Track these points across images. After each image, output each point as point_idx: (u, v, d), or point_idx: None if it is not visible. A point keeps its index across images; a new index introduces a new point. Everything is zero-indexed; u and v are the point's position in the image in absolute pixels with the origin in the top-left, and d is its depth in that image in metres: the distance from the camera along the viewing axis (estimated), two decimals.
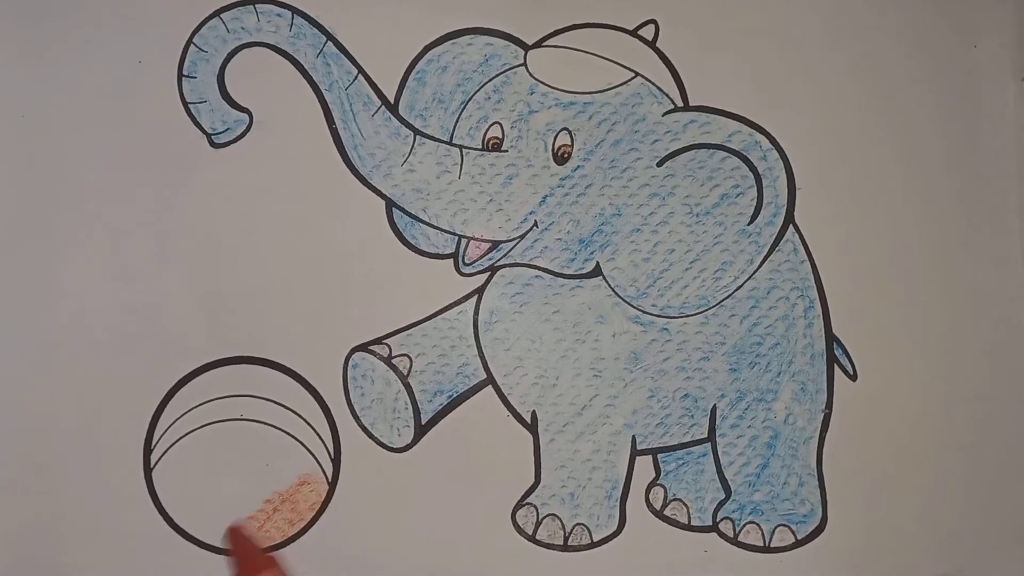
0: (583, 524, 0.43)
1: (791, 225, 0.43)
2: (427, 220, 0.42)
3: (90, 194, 0.42)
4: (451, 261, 0.43)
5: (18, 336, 0.42)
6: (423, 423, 0.42)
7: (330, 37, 0.42)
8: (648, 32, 0.43)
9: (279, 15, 0.42)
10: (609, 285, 0.42)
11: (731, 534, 0.43)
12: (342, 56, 0.42)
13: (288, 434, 0.42)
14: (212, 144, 0.42)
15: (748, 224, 0.43)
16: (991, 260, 0.44)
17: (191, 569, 0.42)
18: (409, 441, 0.42)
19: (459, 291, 0.43)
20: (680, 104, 0.43)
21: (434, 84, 0.43)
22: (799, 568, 0.43)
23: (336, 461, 0.42)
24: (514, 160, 0.43)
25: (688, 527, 0.43)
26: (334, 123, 0.42)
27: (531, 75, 0.43)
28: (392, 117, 0.42)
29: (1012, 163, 0.44)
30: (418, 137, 0.42)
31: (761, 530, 0.43)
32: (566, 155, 0.43)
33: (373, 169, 0.42)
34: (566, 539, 0.42)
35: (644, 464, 0.43)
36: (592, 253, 0.42)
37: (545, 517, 0.42)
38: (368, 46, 0.42)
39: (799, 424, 0.43)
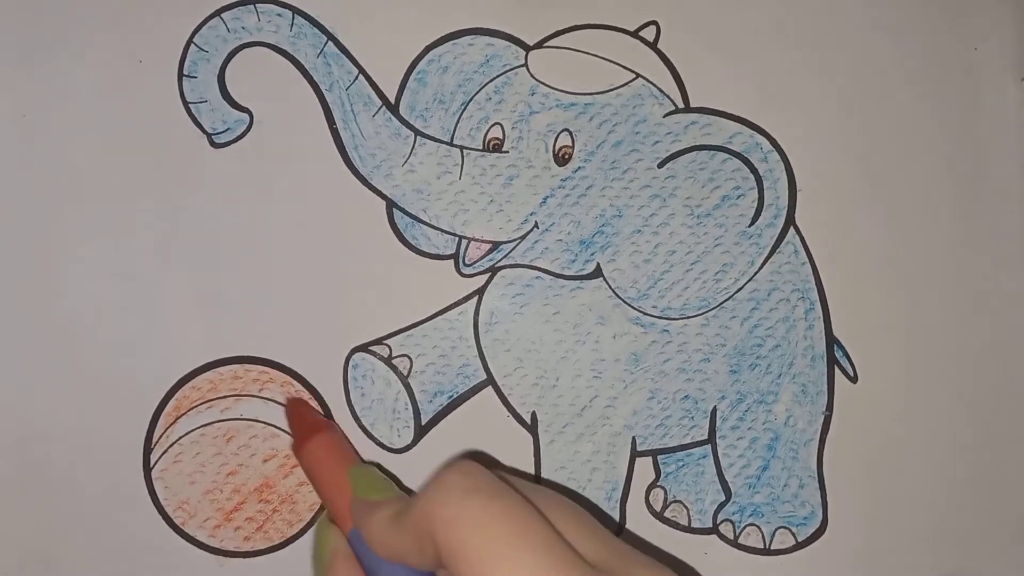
0: None
1: (792, 227, 0.43)
2: (428, 221, 0.42)
3: (90, 194, 0.42)
4: (451, 262, 0.42)
5: (18, 336, 0.41)
6: (423, 424, 0.42)
7: (331, 37, 0.42)
8: (649, 33, 0.43)
9: (280, 15, 0.42)
10: (610, 286, 0.42)
11: (731, 536, 0.43)
12: (343, 56, 0.42)
13: (288, 434, 0.41)
14: (212, 144, 0.42)
15: (749, 226, 0.43)
16: (991, 261, 0.44)
17: (191, 570, 0.41)
18: (409, 442, 0.42)
19: (459, 292, 0.43)
20: (681, 105, 0.43)
21: (435, 84, 0.42)
22: (799, 570, 0.43)
23: None
24: (515, 161, 0.42)
25: (688, 529, 0.43)
26: (334, 123, 0.42)
27: (532, 76, 0.43)
28: (393, 117, 0.42)
29: (1013, 164, 0.44)
30: (419, 138, 0.42)
31: (761, 532, 0.43)
32: (567, 156, 0.43)
33: (374, 169, 0.42)
34: None
35: (644, 465, 0.43)
36: (593, 254, 0.42)
37: None
38: (369, 46, 0.42)
39: (799, 426, 0.43)
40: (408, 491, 0.39)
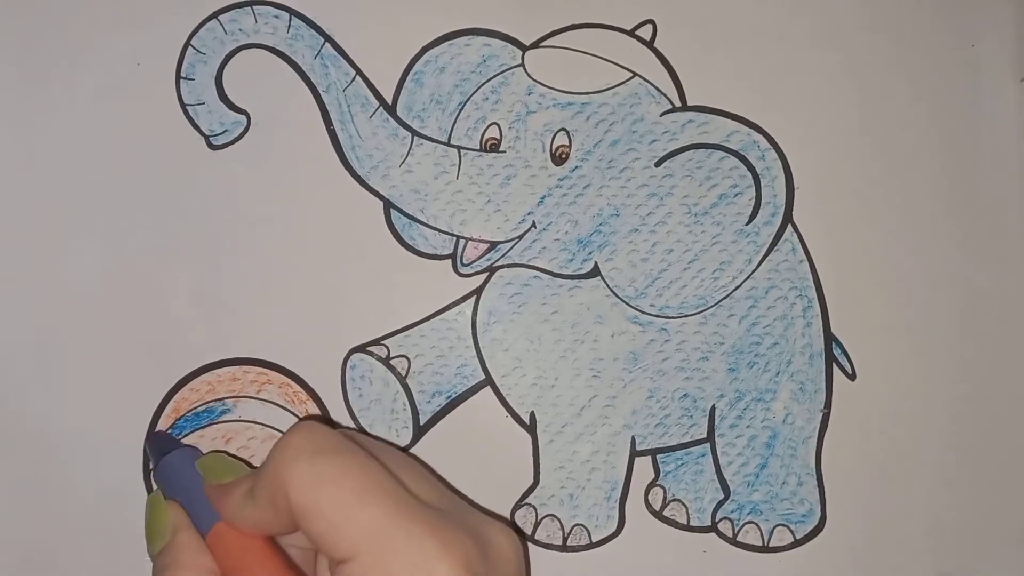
0: (582, 524, 0.43)
1: (789, 225, 0.43)
2: (425, 221, 0.42)
3: (88, 196, 0.42)
4: (449, 262, 0.43)
5: (18, 335, 0.42)
6: (421, 424, 0.42)
7: (328, 39, 0.42)
8: (646, 32, 0.43)
9: (277, 17, 0.42)
10: (607, 285, 0.42)
11: (730, 534, 0.43)
12: (340, 58, 0.42)
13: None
14: (210, 146, 0.42)
15: (746, 224, 0.43)
16: (991, 260, 0.44)
17: None
18: (408, 442, 0.42)
19: (457, 292, 0.43)
20: (678, 104, 0.43)
21: (432, 85, 0.43)
22: (798, 567, 0.43)
23: None
24: (512, 161, 0.43)
25: (687, 527, 0.43)
26: (332, 124, 0.42)
27: (529, 76, 0.43)
28: (390, 118, 0.42)
29: (1012, 163, 0.44)
30: (416, 138, 0.42)
31: (760, 530, 0.43)
32: (564, 156, 0.43)
33: (371, 170, 0.42)
34: (565, 539, 0.42)
35: (643, 465, 0.43)
36: (590, 253, 0.42)
37: (544, 517, 0.42)
38: (366, 48, 0.42)
39: (798, 424, 0.43)
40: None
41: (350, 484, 0.29)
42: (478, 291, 0.42)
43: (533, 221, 0.42)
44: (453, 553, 0.28)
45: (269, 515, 0.30)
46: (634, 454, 0.43)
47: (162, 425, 0.42)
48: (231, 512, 0.32)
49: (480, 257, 0.42)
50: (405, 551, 0.28)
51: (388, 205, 0.42)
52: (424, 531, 0.28)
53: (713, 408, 0.43)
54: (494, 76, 0.43)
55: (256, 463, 0.42)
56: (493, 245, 0.42)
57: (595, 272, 0.42)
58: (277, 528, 0.31)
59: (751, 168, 0.43)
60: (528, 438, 0.42)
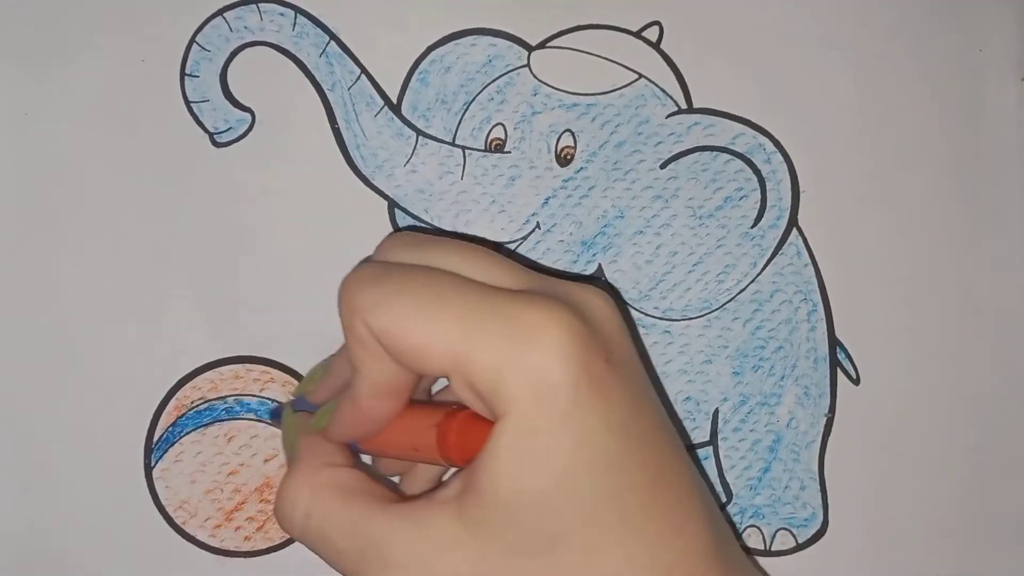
0: None
1: (794, 228, 0.43)
2: (429, 221, 0.42)
3: (91, 193, 0.42)
4: None
5: (18, 336, 0.41)
6: None
7: (333, 37, 0.42)
8: (652, 34, 0.43)
9: (282, 14, 0.42)
10: (611, 287, 0.42)
11: None
12: (345, 56, 0.42)
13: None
14: (214, 143, 0.42)
15: (751, 227, 0.42)
16: (994, 263, 0.44)
17: (191, 569, 0.41)
18: None
19: None
20: (684, 106, 0.43)
21: (437, 85, 0.42)
22: (800, 571, 0.43)
23: None
24: (517, 161, 0.42)
25: None
26: (336, 123, 0.42)
27: (534, 76, 0.42)
28: (395, 117, 0.42)
29: (1015, 165, 0.44)
30: (421, 138, 0.42)
31: (762, 533, 0.43)
32: (569, 157, 0.43)
33: (375, 169, 0.42)
34: None
35: None
36: (594, 255, 0.42)
37: None
38: (371, 46, 0.42)
39: (801, 428, 0.43)
40: None
41: (422, 290, 0.29)
42: None
43: (537, 222, 0.42)
44: (552, 319, 0.27)
45: (370, 364, 0.31)
46: None
47: (164, 423, 0.41)
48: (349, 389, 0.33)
49: None
50: (501, 332, 0.27)
51: (392, 204, 0.42)
52: (514, 310, 0.28)
53: (716, 411, 0.42)
54: (500, 76, 0.42)
55: (257, 462, 0.41)
56: (497, 246, 0.42)
57: (599, 274, 0.42)
58: (386, 376, 0.31)
59: (756, 171, 0.43)
60: None
